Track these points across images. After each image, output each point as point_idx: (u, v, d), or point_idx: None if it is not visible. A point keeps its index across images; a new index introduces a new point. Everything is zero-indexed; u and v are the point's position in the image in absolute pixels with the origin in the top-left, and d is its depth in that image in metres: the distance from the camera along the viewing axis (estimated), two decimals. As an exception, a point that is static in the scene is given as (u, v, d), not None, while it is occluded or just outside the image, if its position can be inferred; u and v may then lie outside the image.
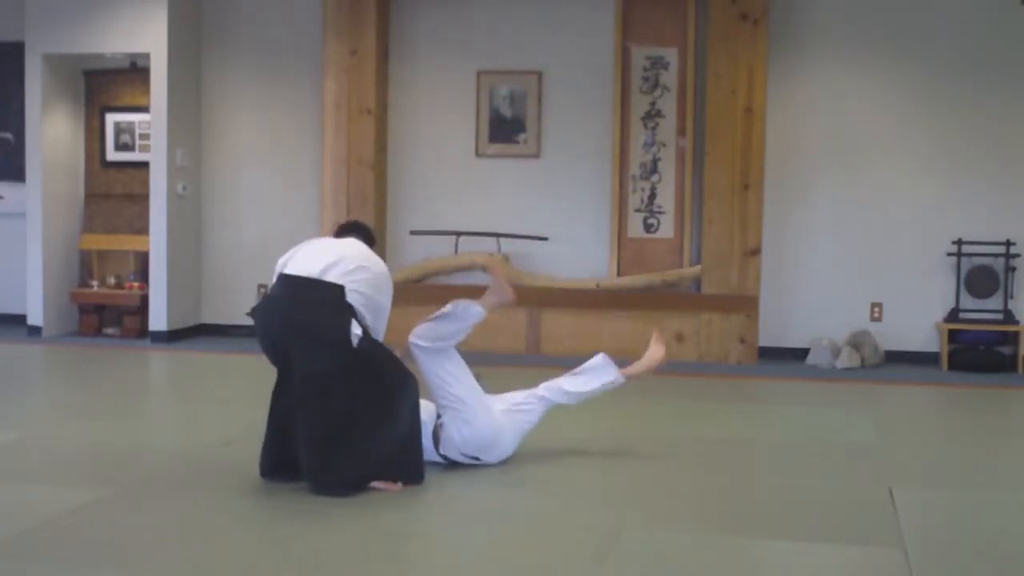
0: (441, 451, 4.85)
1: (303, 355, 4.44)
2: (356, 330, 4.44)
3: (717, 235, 8.17)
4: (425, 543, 3.95)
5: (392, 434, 4.53)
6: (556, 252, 8.56)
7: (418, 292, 8.54)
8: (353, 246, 4.68)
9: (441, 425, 4.84)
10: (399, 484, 4.54)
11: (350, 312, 4.44)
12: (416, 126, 8.81)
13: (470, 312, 4.85)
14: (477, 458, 4.85)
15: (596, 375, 5.07)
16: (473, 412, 4.77)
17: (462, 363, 4.83)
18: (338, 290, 4.45)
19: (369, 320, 4.54)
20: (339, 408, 4.43)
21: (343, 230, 4.92)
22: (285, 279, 4.55)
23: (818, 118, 8.31)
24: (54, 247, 8.97)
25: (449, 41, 8.76)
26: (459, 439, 4.80)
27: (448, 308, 4.80)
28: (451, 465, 4.90)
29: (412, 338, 4.83)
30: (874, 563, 3.77)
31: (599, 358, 5.11)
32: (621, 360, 5.24)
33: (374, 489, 4.47)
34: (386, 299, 4.63)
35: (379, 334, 4.66)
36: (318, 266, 4.49)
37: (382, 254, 8.66)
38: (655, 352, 5.26)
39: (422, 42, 8.79)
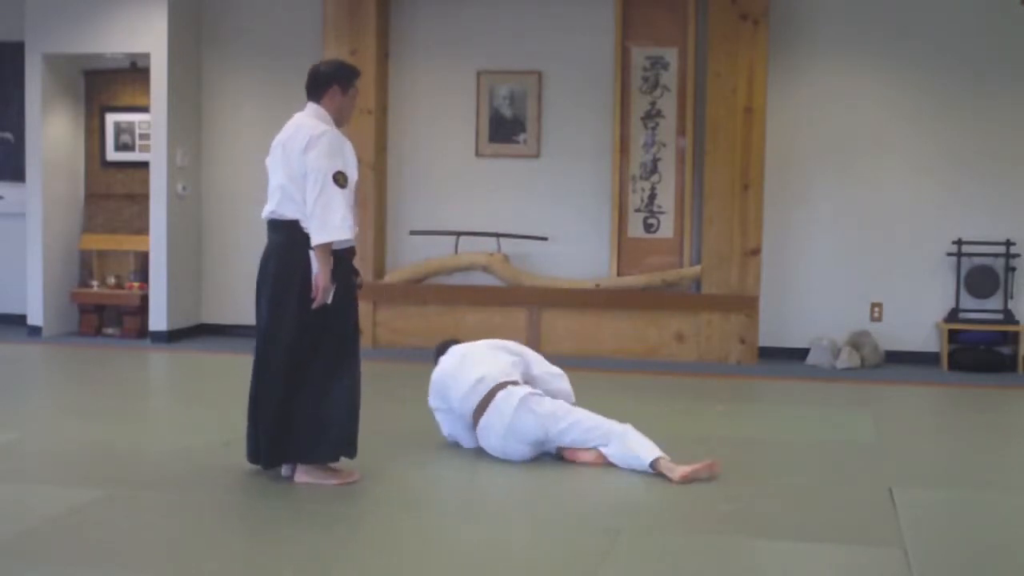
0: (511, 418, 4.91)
1: (264, 305, 4.50)
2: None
3: (717, 235, 8.17)
4: (424, 543, 3.95)
5: (342, 392, 4.50)
6: (556, 252, 8.55)
7: (418, 292, 8.54)
8: (287, 133, 4.53)
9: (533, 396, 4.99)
10: (356, 474, 4.56)
11: (308, 243, 4.39)
12: (416, 126, 8.81)
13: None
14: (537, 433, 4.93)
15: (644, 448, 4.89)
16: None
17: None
18: (291, 227, 4.42)
19: (312, 192, 4.35)
20: (295, 363, 4.43)
21: (307, 94, 4.66)
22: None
23: (818, 118, 8.31)
24: (54, 247, 8.96)
25: (449, 41, 8.75)
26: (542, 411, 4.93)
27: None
28: (451, 466, 4.91)
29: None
30: (874, 563, 3.77)
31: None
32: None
33: (340, 483, 4.51)
34: (317, 159, 4.34)
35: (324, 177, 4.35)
36: (271, 199, 4.49)
37: (382, 254, 8.76)
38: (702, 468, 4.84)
39: (422, 42, 8.78)
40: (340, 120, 4.61)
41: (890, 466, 5.12)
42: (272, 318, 4.46)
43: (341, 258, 4.46)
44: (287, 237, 4.44)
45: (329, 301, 4.40)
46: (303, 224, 4.39)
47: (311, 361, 4.44)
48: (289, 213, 4.42)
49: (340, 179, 4.35)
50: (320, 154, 4.37)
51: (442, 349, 5.44)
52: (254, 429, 4.56)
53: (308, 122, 4.50)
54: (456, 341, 5.48)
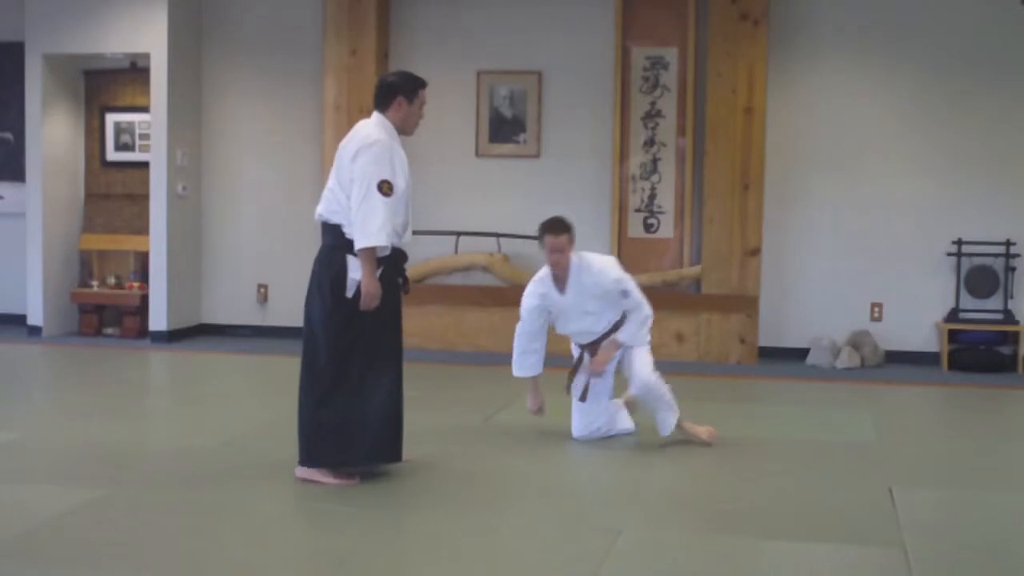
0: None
1: (307, 306, 4.62)
2: (355, 274, 4.44)
3: (717, 235, 8.17)
4: (426, 543, 3.95)
5: (377, 397, 4.54)
6: (556, 252, 8.53)
7: (418, 292, 8.51)
8: (346, 140, 4.59)
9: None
10: (356, 478, 4.56)
11: (349, 247, 4.44)
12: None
13: None
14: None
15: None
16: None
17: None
18: (335, 230, 4.50)
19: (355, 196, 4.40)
20: (326, 363, 4.49)
21: (374, 104, 4.72)
22: None
23: (818, 118, 8.31)
24: (54, 247, 8.96)
25: (449, 41, 8.75)
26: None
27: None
28: (451, 465, 4.92)
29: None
30: (874, 563, 3.77)
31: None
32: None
33: (336, 482, 4.52)
34: (364, 166, 4.41)
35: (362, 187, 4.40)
36: (323, 200, 4.61)
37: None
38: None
39: (422, 42, 8.78)
40: (404, 129, 4.68)
41: (890, 466, 5.12)
42: (310, 319, 4.57)
43: (383, 264, 4.50)
44: (331, 241, 4.55)
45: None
46: (345, 229, 4.46)
47: (348, 364, 4.49)
48: (334, 217, 4.52)
49: (385, 187, 4.41)
50: (367, 162, 4.44)
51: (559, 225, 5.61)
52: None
53: (365, 132, 4.57)
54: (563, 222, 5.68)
